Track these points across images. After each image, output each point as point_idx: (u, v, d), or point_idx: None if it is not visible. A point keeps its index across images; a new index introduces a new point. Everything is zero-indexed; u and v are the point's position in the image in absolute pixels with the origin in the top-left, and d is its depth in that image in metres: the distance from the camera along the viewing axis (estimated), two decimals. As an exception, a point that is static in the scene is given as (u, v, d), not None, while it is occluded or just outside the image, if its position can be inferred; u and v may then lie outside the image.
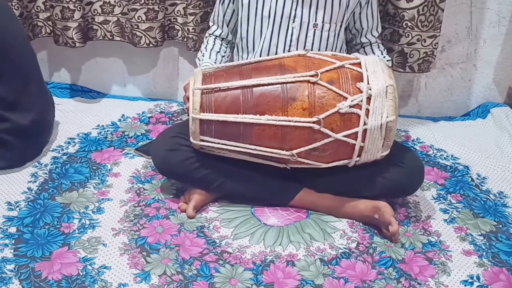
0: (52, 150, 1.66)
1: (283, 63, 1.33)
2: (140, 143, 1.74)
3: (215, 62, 1.57)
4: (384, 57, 1.59)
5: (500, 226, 1.40)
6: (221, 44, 1.61)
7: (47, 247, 1.25)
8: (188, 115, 1.31)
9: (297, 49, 1.47)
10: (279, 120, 1.27)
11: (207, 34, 1.65)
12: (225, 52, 1.62)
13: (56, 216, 1.36)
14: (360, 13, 1.55)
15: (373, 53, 1.59)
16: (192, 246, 1.28)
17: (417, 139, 1.85)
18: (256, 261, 1.24)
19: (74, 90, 2.06)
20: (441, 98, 2.05)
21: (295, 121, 1.27)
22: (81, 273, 1.18)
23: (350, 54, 1.64)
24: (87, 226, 1.33)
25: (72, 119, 1.85)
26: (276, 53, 1.49)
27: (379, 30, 1.61)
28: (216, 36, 1.62)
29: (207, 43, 1.62)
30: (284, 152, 1.30)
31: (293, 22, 1.47)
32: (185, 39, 1.91)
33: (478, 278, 1.22)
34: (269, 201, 1.43)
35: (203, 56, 1.60)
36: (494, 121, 1.92)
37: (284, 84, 1.29)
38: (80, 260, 1.22)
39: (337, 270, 1.22)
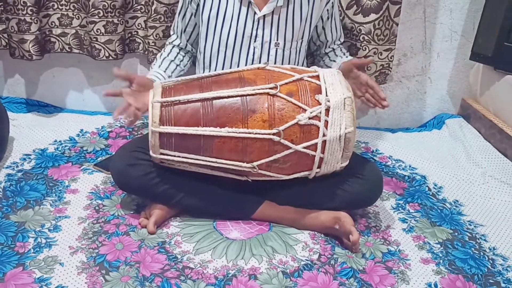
0: (6, 167, 1.60)
1: (243, 76, 1.34)
2: (99, 158, 1.70)
3: (166, 70, 1.55)
4: (347, 57, 1.63)
5: (456, 234, 1.44)
6: (178, 53, 1.61)
7: (0, 268, 1.20)
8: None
9: None
10: (239, 132, 1.27)
11: (167, 42, 1.64)
12: (181, 61, 1.60)
13: (10, 236, 1.31)
14: (323, 27, 1.58)
15: (336, 55, 1.63)
16: (153, 262, 1.25)
17: (376, 150, 1.89)
18: (218, 275, 1.23)
19: (30, 105, 2.01)
20: (398, 110, 2.11)
21: (255, 133, 1.27)
22: (36, 294, 1.14)
23: (315, 63, 1.68)
24: (43, 245, 1.29)
25: (28, 135, 1.79)
26: (236, 70, 1.49)
27: (342, 39, 1.66)
28: (174, 45, 1.61)
29: (163, 51, 1.61)
30: (245, 164, 1.30)
31: (255, 41, 1.48)
32: (146, 52, 1.89)
33: (436, 285, 1.24)
34: (231, 215, 1.42)
35: (154, 64, 1.59)
36: (449, 132, 1.98)
37: (244, 97, 1.29)
38: (36, 280, 1.17)
39: (299, 282, 1.22)
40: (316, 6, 1.50)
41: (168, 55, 1.59)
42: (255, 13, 1.46)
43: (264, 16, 1.46)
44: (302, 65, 1.59)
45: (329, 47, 1.64)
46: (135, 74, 1.38)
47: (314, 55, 1.70)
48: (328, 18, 1.57)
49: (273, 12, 1.46)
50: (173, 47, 1.61)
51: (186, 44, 1.61)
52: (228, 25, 1.48)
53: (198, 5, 1.51)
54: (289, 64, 1.53)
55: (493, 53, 1.83)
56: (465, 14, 1.96)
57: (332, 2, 1.54)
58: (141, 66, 2.01)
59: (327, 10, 1.54)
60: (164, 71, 1.54)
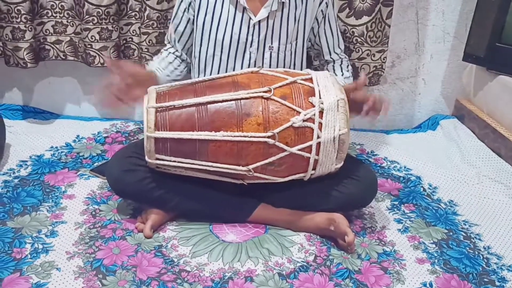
0: (3, 174, 1.60)
1: (236, 80, 1.35)
2: (96, 164, 1.71)
3: (164, 69, 1.56)
4: (342, 74, 1.62)
5: (451, 233, 1.45)
6: (175, 59, 1.61)
7: (-3, 274, 1.21)
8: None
9: None
10: (234, 136, 1.28)
11: (162, 50, 1.65)
12: (178, 66, 1.61)
13: (7, 242, 1.31)
14: (318, 30, 1.58)
15: (335, 73, 1.63)
16: (150, 266, 1.26)
17: (371, 152, 1.90)
18: (215, 278, 1.23)
19: (26, 112, 2.02)
20: (393, 111, 2.12)
21: (250, 136, 1.28)
22: (33, 300, 1.14)
23: (319, 69, 1.67)
24: (40, 250, 1.29)
25: (24, 141, 1.80)
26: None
27: (342, 46, 1.65)
28: (170, 52, 1.62)
29: (161, 54, 1.62)
30: (240, 167, 1.31)
31: (251, 47, 1.49)
32: (141, 59, 1.90)
33: (431, 285, 1.25)
34: (227, 218, 1.43)
35: (152, 61, 1.60)
36: (444, 133, 2.00)
37: (238, 100, 1.30)
38: (33, 286, 1.18)
39: (295, 284, 1.23)
40: (309, 6, 1.51)
41: (166, 58, 1.60)
42: (250, 18, 1.47)
43: (259, 21, 1.47)
44: (301, 67, 1.59)
45: (328, 54, 1.63)
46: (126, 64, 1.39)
47: (318, 61, 1.69)
48: (323, 18, 1.56)
49: (268, 16, 1.47)
50: (169, 53, 1.62)
51: (181, 53, 1.61)
52: (223, 30, 1.49)
53: (194, 11, 1.52)
54: (284, 66, 1.54)
55: (486, 54, 1.85)
56: (457, 15, 1.97)
57: (326, 3, 1.54)
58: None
59: (321, 10, 1.54)
60: (164, 69, 1.56)
